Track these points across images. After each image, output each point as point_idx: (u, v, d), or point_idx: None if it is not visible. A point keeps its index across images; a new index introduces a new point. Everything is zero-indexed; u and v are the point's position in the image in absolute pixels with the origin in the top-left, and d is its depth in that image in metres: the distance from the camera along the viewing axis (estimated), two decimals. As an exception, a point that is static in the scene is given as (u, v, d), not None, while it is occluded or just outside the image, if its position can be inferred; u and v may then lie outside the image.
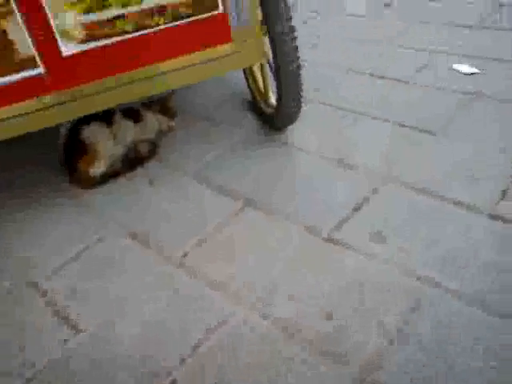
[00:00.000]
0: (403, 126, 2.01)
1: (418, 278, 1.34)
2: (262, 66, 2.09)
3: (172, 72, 1.64)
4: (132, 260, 1.61)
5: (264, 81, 2.14)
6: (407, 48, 2.65)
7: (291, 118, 2.01)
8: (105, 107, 1.68)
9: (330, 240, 1.52)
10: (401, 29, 2.88)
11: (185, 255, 1.58)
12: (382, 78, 2.41)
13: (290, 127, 2.11)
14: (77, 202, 1.95)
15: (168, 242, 1.65)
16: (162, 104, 2.16)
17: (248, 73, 2.33)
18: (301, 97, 1.89)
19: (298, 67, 1.81)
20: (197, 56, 1.62)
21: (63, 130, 2.06)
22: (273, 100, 2.15)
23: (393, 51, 2.64)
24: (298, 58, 1.78)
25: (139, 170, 2.07)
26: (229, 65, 1.66)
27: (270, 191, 1.78)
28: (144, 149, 2.13)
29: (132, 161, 2.10)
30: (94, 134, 2.01)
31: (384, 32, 2.88)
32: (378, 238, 1.49)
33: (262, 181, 1.84)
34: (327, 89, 2.39)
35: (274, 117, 2.07)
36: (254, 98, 2.30)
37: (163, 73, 1.62)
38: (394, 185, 1.69)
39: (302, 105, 1.91)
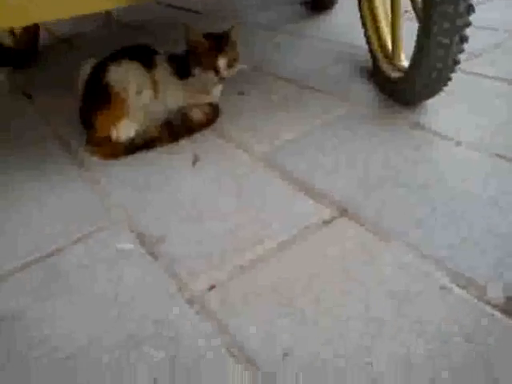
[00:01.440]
0: None
1: None
2: (394, 9, 1.32)
3: None
4: (127, 274, 0.90)
5: (394, 32, 1.37)
6: None
7: (433, 88, 1.21)
8: None
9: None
10: None
11: (210, 288, 0.85)
12: None
13: (426, 102, 1.32)
14: (83, 174, 1.29)
15: (188, 265, 0.92)
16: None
17: (369, 21, 1.56)
18: (456, 61, 1.10)
19: (470, 8, 1.02)
20: None
21: (85, 68, 1.41)
22: (404, 61, 1.37)
23: None
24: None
25: (186, 141, 1.37)
26: None
27: (386, 199, 1.00)
28: (197, 114, 1.42)
29: (177, 128, 1.39)
30: (127, 77, 1.34)
31: None
32: None
33: (371, 180, 1.06)
34: (489, 55, 1.55)
35: (403, 85, 1.28)
36: (374, 57, 1.52)
37: None
38: None
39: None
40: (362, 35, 1.59)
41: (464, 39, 1.06)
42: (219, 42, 1.36)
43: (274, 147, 1.26)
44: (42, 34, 2.61)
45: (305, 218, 0.98)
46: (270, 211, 1.02)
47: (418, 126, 1.23)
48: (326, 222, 0.95)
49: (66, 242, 1.03)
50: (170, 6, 3.01)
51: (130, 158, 1.33)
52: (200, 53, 1.36)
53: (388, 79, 1.39)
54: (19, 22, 0.90)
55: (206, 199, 1.10)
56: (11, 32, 2.30)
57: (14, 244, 1.04)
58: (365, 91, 1.47)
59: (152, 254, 0.96)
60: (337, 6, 2.36)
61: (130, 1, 1.02)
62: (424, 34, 1.09)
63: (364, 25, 1.58)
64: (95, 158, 1.35)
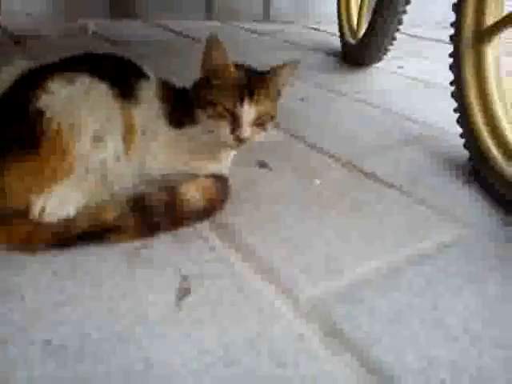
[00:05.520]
0: None
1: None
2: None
3: None
4: None
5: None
6: None
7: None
8: None
9: None
10: None
11: None
12: None
13: None
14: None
15: None
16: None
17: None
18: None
19: None
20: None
21: (7, 73, 0.79)
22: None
23: None
24: None
25: (166, 240, 0.74)
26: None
27: None
28: (194, 192, 0.79)
29: (155, 213, 0.76)
30: (80, 106, 0.72)
31: None
32: None
33: None
34: None
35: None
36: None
37: None
38: None
39: None
40: (421, 108, 1.37)
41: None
42: (254, 80, 0.79)
43: (339, 291, 0.66)
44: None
45: None
46: None
47: None
48: None
49: None
50: (170, 30, 2.43)
51: (59, 259, 0.69)
52: (217, 87, 0.78)
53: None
54: None
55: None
56: None
57: None
58: (465, 198, 0.91)
59: None
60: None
61: None
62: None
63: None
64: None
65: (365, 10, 1.84)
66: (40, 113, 0.70)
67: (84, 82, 0.74)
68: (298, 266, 0.71)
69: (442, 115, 1.19)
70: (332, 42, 2.19)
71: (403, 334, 0.60)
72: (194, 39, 2.22)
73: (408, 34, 2.50)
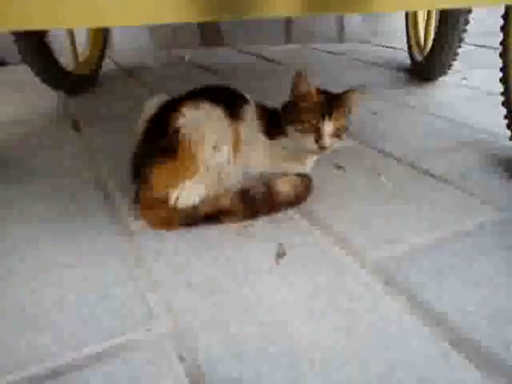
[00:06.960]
0: None
1: None
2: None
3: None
4: None
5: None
6: None
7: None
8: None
9: None
10: None
11: None
12: None
13: None
14: (123, 246, 0.94)
15: None
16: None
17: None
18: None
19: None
20: None
21: (151, 104, 1.10)
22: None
23: None
24: None
25: (265, 221, 1.01)
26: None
27: None
28: (285, 187, 1.06)
29: (258, 202, 1.03)
30: (205, 125, 1.01)
31: None
32: None
33: None
34: None
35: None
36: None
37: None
38: None
39: None
40: (479, 116, 1.56)
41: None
42: (331, 102, 1.03)
43: (396, 255, 0.88)
44: (106, 64, 2.37)
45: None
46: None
47: None
48: None
49: (71, 361, 0.66)
50: (254, 55, 2.75)
51: (189, 233, 0.97)
52: (304, 108, 1.03)
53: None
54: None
55: (302, 336, 0.72)
56: (75, 55, 2.06)
57: None
58: (505, 190, 1.10)
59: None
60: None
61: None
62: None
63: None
64: (142, 223, 1.00)
65: (431, 27, 2.02)
66: (177, 130, 0.99)
67: (206, 107, 1.02)
68: (365, 237, 0.95)
69: (498, 121, 1.34)
70: (402, 59, 2.40)
71: (441, 283, 0.81)
72: (275, 62, 2.50)
73: (473, 44, 2.64)
